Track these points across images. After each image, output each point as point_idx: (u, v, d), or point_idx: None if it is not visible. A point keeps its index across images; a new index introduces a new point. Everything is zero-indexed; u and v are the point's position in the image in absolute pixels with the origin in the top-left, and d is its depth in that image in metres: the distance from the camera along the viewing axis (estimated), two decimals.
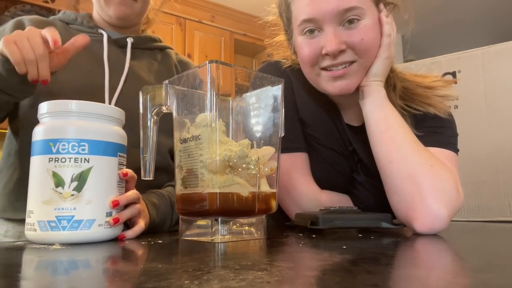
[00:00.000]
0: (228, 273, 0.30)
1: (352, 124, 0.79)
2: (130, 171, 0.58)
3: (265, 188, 0.54)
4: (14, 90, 0.66)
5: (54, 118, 0.53)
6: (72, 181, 0.51)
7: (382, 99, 0.70)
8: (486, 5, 3.54)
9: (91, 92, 0.77)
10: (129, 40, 0.87)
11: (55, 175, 0.51)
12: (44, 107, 0.54)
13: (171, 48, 1.00)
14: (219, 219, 0.51)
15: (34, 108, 0.60)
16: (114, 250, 0.48)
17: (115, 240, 0.56)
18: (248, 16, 3.31)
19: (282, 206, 0.77)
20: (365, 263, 0.35)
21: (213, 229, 0.51)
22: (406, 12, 0.74)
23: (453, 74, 1.22)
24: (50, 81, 0.63)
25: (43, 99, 0.56)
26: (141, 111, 0.57)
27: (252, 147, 0.54)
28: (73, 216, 0.50)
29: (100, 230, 0.53)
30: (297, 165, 0.76)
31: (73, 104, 0.53)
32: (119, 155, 0.57)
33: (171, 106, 0.57)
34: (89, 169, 0.52)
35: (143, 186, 0.70)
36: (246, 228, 0.55)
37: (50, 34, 0.59)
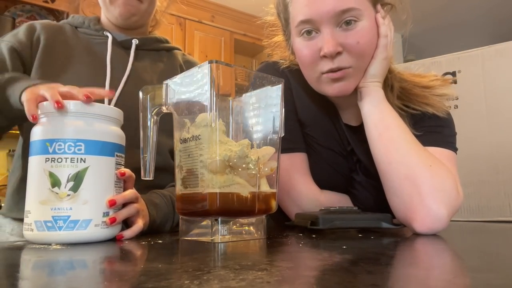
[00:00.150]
0: (228, 273, 0.30)
1: (350, 124, 0.79)
2: (127, 171, 0.58)
3: (265, 188, 0.54)
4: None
5: (51, 118, 0.53)
6: (68, 181, 0.51)
7: (380, 99, 0.70)
8: (487, 5, 3.54)
9: None
10: (134, 42, 0.87)
11: (51, 175, 0.51)
12: (41, 107, 0.54)
13: (179, 49, 0.99)
14: (219, 219, 0.51)
15: None
16: (114, 250, 0.48)
17: (114, 240, 0.56)
18: (248, 16, 3.31)
19: (281, 206, 0.77)
20: (365, 263, 0.35)
21: (213, 229, 0.51)
22: (404, 13, 0.74)
23: (453, 74, 1.22)
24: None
25: None
26: (141, 111, 0.58)
27: (252, 147, 0.54)
28: (69, 216, 0.50)
29: (96, 230, 0.52)
30: (296, 165, 0.76)
31: (70, 104, 0.53)
32: (117, 155, 0.56)
33: (171, 106, 0.57)
34: (85, 169, 0.52)
35: (144, 187, 0.71)
36: (246, 228, 0.55)
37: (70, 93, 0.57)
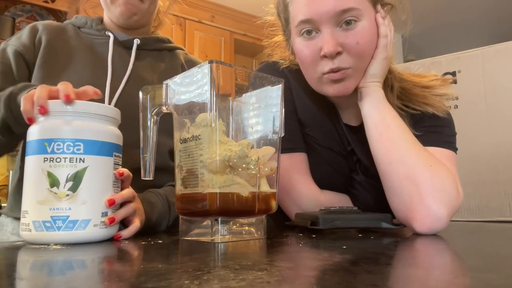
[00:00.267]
0: (228, 273, 0.30)
1: (350, 124, 0.79)
2: (126, 171, 0.58)
3: (265, 188, 0.54)
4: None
5: (49, 117, 0.53)
6: (67, 181, 0.51)
7: (380, 100, 0.70)
8: (486, 5, 3.54)
9: None
10: (136, 41, 0.88)
11: (50, 175, 0.50)
12: (51, 106, 0.53)
13: (181, 49, 0.99)
14: (219, 219, 0.51)
15: None
16: (114, 250, 0.48)
17: (112, 240, 0.56)
18: (248, 16, 3.31)
19: (281, 206, 0.77)
20: (365, 263, 0.35)
21: (213, 229, 0.51)
22: (404, 13, 0.74)
23: (453, 74, 1.22)
24: (54, 84, 0.63)
25: None
26: (141, 111, 0.57)
27: (252, 147, 0.54)
28: (68, 216, 0.50)
29: (95, 230, 0.52)
30: (296, 165, 0.76)
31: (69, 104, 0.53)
32: (115, 155, 0.56)
33: (171, 106, 0.57)
34: (84, 169, 0.52)
35: (142, 186, 0.71)
36: (246, 228, 0.55)
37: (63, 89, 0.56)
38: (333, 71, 0.67)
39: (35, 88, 0.61)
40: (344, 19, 0.66)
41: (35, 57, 0.81)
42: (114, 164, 0.56)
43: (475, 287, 0.27)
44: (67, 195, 0.51)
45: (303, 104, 0.79)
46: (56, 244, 0.50)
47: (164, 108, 0.57)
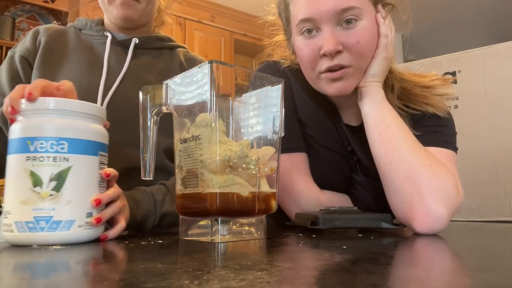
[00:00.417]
0: (228, 273, 0.30)
1: (351, 124, 0.79)
2: (112, 171, 0.57)
3: (265, 188, 0.54)
4: None
5: (32, 115, 0.51)
6: (50, 180, 0.49)
7: (380, 99, 0.70)
8: (486, 5, 3.54)
9: (87, 92, 0.78)
10: (134, 40, 0.88)
11: (32, 174, 0.49)
12: (21, 105, 0.52)
13: (183, 47, 0.98)
14: (219, 219, 0.50)
15: None
16: (113, 249, 0.48)
17: (98, 241, 0.55)
18: (248, 16, 3.32)
19: (282, 206, 0.77)
20: (365, 263, 0.35)
21: (213, 229, 0.51)
22: (405, 13, 0.74)
23: (453, 74, 1.22)
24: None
25: None
26: (141, 111, 0.57)
27: (252, 147, 0.54)
28: (51, 217, 0.49)
29: (80, 231, 0.51)
30: (296, 165, 0.76)
31: (51, 102, 0.51)
32: (100, 154, 0.55)
33: (171, 106, 0.57)
34: (68, 169, 0.50)
35: (134, 186, 0.70)
36: (246, 228, 0.55)
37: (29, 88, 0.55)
38: (330, 69, 0.67)
39: None
40: (345, 18, 0.66)
41: (36, 59, 0.82)
42: (100, 163, 0.55)
43: (475, 287, 0.27)
44: (51, 195, 0.49)
45: (304, 103, 0.79)
46: (51, 245, 0.50)
47: (164, 108, 0.57)
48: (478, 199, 1.13)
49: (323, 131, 0.78)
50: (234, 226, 0.53)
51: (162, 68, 0.90)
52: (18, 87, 0.54)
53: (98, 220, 0.53)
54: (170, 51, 0.95)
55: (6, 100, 0.54)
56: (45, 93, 0.54)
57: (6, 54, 2.32)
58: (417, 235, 0.59)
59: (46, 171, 0.49)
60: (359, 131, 0.75)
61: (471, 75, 1.19)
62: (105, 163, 0.57)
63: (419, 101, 0.75)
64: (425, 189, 0.60)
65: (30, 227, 0.48)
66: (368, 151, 0.70)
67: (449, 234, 0.60)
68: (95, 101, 0.77)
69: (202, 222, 0.54)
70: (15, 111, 0.51)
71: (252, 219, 0.55)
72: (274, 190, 0.56)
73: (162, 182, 0.78)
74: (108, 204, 0.57)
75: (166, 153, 0.82)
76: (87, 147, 0.53)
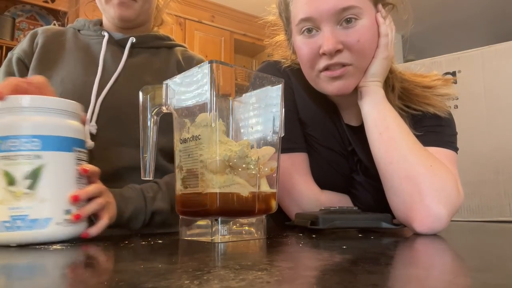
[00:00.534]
0: (228, 273, 0.30)
1: (351, 124, 0.79)
2: (91, 167, 0.56)
3: (265, 188, 0.54)
4: None
5: (3, 114, 0.51)
6: (25, 179, 0.49)
7: (380, 99, 0.70)
8: (486, 5, 3.54)
9: (82, 90, 0.78)
10: (130, 39, 0.88)
11: (6, 173, 0.49)
12: None
13: (181, 46, 0.98)
14: (219, 219, 0.50)
15: None
16: (113, 249, 0.48)
17: (79, 239, 0.54)
18: (248, 16, 3.32)
19: (282, 206, 0.77)
20: (365, 263, 0.35)
21: (213, 229, 0.51)
22: (405, 13, 0.74)
23: (453, 74, 1.22)
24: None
25: None
26: (141, 111, 0.57)
27: (252, 147, 0.54)
28: (27, 215, 0.48)
29: (58, 229, 0.50)
30: (296, 165, 0.76)
31: (23, 99, 0.51)
32: (76, 150, 0.54)
33: (171, 106, 0.57)
34: (42, 166, 0.50)
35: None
36: (246, 228, 0.55)
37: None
38: (329, 68, 0.67)
39: None
40: (345, 17, 0.66)
41: (33, 60, 0.83)
42: (77, 159, 0.54)
43: (475, 287, 0.27)
44: (26, 193, 0.49)
45: (304, 103, 0.79)
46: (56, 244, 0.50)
47: (164, 108, 0.57)
48: (478, 199, 1.13)
49: (324, 131, 0.78)
50: (234, 226, 0.53)
51: (158, 67, 0.90)
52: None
53: (77, 217, 0.52)
54: (168, 50, 0.94)
55: None
56: (18, 91, 0.53)
57: (6, 54, 2.33)
58: (417, 235, 0.59)
59: (20, 170, 0.49)
60: (360, 131, 0.75)
61: (471, 75, 1.19)
62: (84, 159, 0.56)
63: (420, 101, 0.75)
64: (425, 189, 0.59)
65: (7, 227, 0.48)
66: (368, 151, 0.70)
67: (449, 234, 0.60)
68: (89, 100, 0.77)
69: (202, 222, 0.54)
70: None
71: (252, 219, 0.55)
72: (274, 190, 0.56)
73: (154, 180, 0.76)
74: (91, 200, 0.56)
75: (162, 152, 0.82)
76: (62, 144, 0.52)
